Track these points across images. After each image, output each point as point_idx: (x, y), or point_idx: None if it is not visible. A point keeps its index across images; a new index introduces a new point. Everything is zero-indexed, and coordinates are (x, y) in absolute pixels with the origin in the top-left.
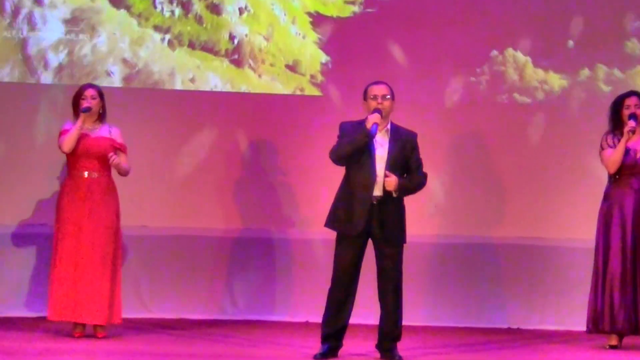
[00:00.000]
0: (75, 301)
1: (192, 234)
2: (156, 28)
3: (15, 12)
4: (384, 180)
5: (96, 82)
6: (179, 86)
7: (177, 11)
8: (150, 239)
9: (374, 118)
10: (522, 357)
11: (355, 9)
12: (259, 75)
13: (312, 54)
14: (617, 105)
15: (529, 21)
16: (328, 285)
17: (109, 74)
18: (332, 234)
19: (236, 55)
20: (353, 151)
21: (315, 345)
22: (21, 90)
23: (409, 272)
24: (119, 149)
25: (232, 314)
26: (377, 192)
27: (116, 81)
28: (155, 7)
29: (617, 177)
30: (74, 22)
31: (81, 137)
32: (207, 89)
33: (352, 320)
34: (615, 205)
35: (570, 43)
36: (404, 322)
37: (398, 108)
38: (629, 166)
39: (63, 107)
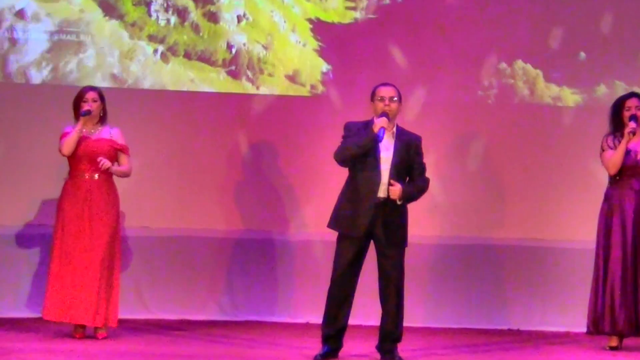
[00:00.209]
0: (69, 302)
1: (193, 235)
2: (151, 38)
3: None
4: (388, 188)
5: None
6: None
7: (173, 19)
8: (151, 240)
9: (381, 122)
10: (522, 358)
11: (357, 15)
12: (257, 87)
13: (312, 63)
14: (618, 107)
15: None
16: (328, 286)
17: None
18: (332, 235)
19: (233, 67)
20: (359, 154)
21: (315, 346)
22: (22, 90)
23: (410, 273)
24: (120, 149)
25: (233, 315)
26: (381, 194)
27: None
28: (150, 16)
29: (617, 178)
30: (59, 36)
31: (81, 140)
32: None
33: (353, 321)
34: (615, 207)
35: (582, 55)
36: (405, 323)
37: (400, 111)
38: (629, 167)
39: (64, 107)
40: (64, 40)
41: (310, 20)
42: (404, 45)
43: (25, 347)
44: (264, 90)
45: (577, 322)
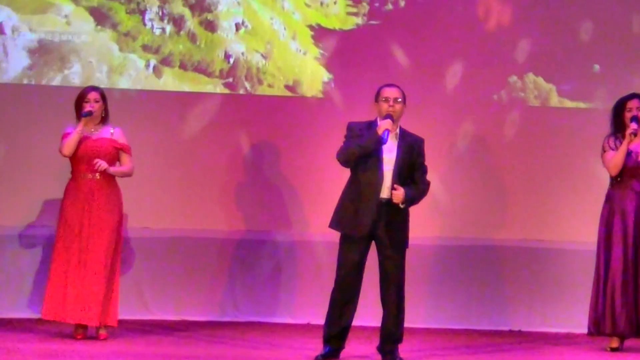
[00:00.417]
0: (69, 301)
1: (194, 236)
2: (145, 48)
3: None
4: (391, 192)
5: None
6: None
7: (169, 28)
8: (152, 240)
9: (385, 124)
10: (523, 359)
11: (358, 20)
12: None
13: (313, 72)
14: (619, 108)
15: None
16: (330, 287)
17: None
18: (334, 236)
19: (231, 79)
20: (362, 155)
21: (317, 347)
22: (22, 90)
23: (411, 274)
24: (121, 149)
25: (234, 316)
26: (384, 194)
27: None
28: (144, 25)
29: (618, 179)
30: (42, 51)
31: (82, 140)
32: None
33: (354, 322)
34: (616, 208)
35: (596, 67)
36: (406, 324)
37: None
38: (630, 168)
39: (65, 108)
40: (48, 55)
41: (311, 27)
42: (406, 50)
43: (27, 348)
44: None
45: (578, 323)
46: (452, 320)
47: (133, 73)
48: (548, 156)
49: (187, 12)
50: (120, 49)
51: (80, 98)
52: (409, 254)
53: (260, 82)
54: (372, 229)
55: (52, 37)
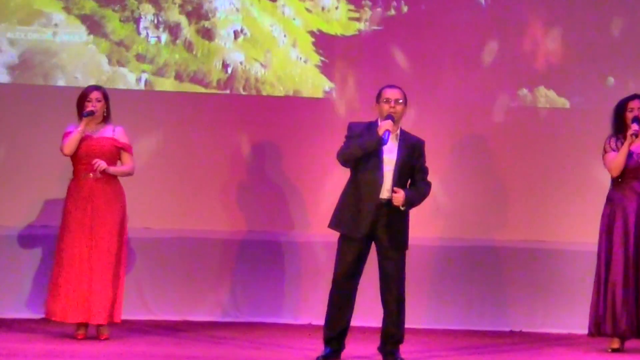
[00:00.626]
0: (72, 301)
1: (196, 236)
2: (139, 58)
3: None
4: (391, 195)
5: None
6: None
7: (164, 37)
8: (153, 241)
9: (386, 125)
10: None
11: (360, 26)
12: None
13: (314, 82)
14: (621, 109)
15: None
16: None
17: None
18: (335, 236)
19: (228, 90)
20: (362, 156)
21: (318, 347)
22: (23, 91)
23: (412, 275)
24: (122, 148)
25: (235, 316)
26: (384, 195)
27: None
28: (139, 33)
29: (620, 180)
30: (23, 67)
31: (83, 139)
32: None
33: (356, 322)
34: (618, 209)
35: (611, 80)
36: (407, 325)
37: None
38: (632, 169)
39: (66, 108)
40: (29, 71)
41: (312, 33)
42: (408, 55)
43: (28, 348)
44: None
45: (579, 324)
46: (453, 321)
47: (122, 87)
48: (549, 157)
49: (183, 19)
50: (110, 62)
51: (82, 97)
52: (410, 254)
53: (258, 92)
54: (372, 229)
55: (32, 55)
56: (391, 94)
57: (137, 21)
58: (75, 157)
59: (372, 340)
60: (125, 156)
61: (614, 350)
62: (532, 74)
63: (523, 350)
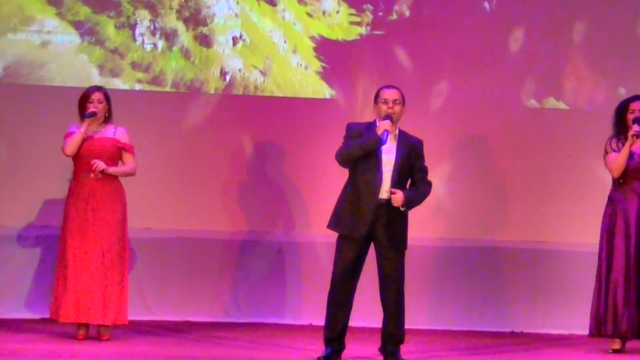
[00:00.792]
0: (77, 302)
1: (196, 237)
2: (134, 66)
3: None
4: (390, 196)
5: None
6: None
7: (161, 44)
8: (153, 241)
9: (385, 125)
10: None
11: (362, 30)
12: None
13: (314, 89)
14: (622, 110)
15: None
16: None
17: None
18: (336, 237)
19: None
20: (361, 155)
21: (318, 348)
22: (23, 91)
23: (413, 276)
24: (123, 148)
25: (236, 317)
26: (382, 196)
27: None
28: (134, 40)
29: (621, 181)
30: (8, 77)
31: (85, 139)
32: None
33: (357, 323)
34: (619, 209)
35: (622, 90)
36: (408, 326)
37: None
38: (633, 170)
39: (66, 108)
40: (14, 84)
41: (312, 39)
42: (410, 59)
43: (29, 349)
44: None
45: (580, 324)
46: (454, 321)
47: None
48: (550, 158)
49: (180, 26)
50: (101, 73)
51: (84, 98)
52: (411, 255)
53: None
54: (371, 229)
55: (18, 66)
56: (389, 94)
57: (132, 27)
58: (76, 157)
59: (372, 341)
60: (126, 156)
61: (615, 351)
62: (533, 74)
63: (524, 350)
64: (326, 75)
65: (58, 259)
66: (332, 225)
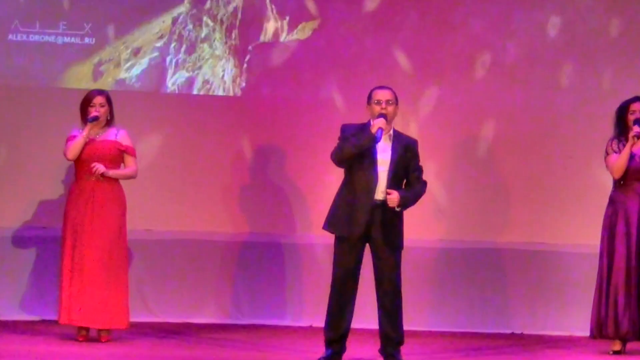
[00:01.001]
0: (80, 305)
1: (197, 238)
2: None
3: None
4: (385, 197)
5: None
6: None
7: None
8: (155, 243)
9: (379, 123)
10: None
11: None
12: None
13: (314, 90)
14: (622, 111)
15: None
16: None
17: None
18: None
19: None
20: (356, 154)
21: (319, 349)
22: (23, 92)
23: (413, 277)
24: (125, 151)
25: (237, 319)
26: (378, 196)
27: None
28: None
29: (622, 182)
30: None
31: (87, 142)
32: None
33: (357, 324)
34: (620, 211)
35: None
36: (408, 327)
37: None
38: (634, 171)
39: (66, 109)
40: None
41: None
42: (409, 53)
43: (30, 350)
44: None
45: (581, 326)
46: (454, 323)
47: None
48: (551, 159)
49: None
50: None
51: (86, 102)
52: (412, 256)
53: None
54: (366, 230)
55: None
56: (382, 95)
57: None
58: (77, 160)
59: (373, 343)
60: (128, 159)
61: (616, 353)
62: (534, 75)
63: (524, 352)
64: (326, 76)
65: (61, 262)
66: (327, 226)
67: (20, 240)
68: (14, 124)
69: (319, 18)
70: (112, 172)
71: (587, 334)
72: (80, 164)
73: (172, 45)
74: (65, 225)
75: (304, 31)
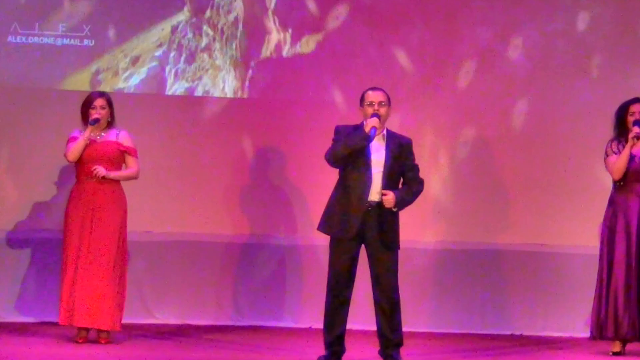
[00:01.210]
0: (80, 306)
1: (197, 240)
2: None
3: None
4: (381, 198)
5: None
6: None
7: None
8: (155, 244)
9: (372, 122)
10: None
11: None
12: None
13: (315, 91)
14: (622, 112)
15: None
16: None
17: None
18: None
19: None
20: (350, 153)
21: (319, 351)
22: (23, 94)
23: (413, 278)
24: (126, 151)
25: (237, 320)
26: (372, 196)
27: None
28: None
29: (621, 183)
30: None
31: (88, 144)
32: None
33: (358, 325)
34: (619, 212)
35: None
36: (408, 328)
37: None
38: (633, 172)
39: (69, 111)
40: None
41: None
42: (409, 53)
43: (30, 352)
44: None
45: (581, 327)
46: (454, 324)
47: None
48: (551, 160)
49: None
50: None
51: (87, 104)
52: (411, 258)
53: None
54: (361, 231)
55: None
56: (374, 96)
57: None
58: (78, 161)
59: (373, 344)
60: (129, 159)
61: (616, 354)
62: (534, 75)
63: (524, 353)
64: (326, 77)
65: (62, 263)
66: (321, 227)
67: (20, 241)
68: (14, 126)
69: (322, 30)
70: (112, 175)
71: (587, 335)
72: (81, 166)
73: (172, 54)
74: (66, 227)
75: (307, 44)
